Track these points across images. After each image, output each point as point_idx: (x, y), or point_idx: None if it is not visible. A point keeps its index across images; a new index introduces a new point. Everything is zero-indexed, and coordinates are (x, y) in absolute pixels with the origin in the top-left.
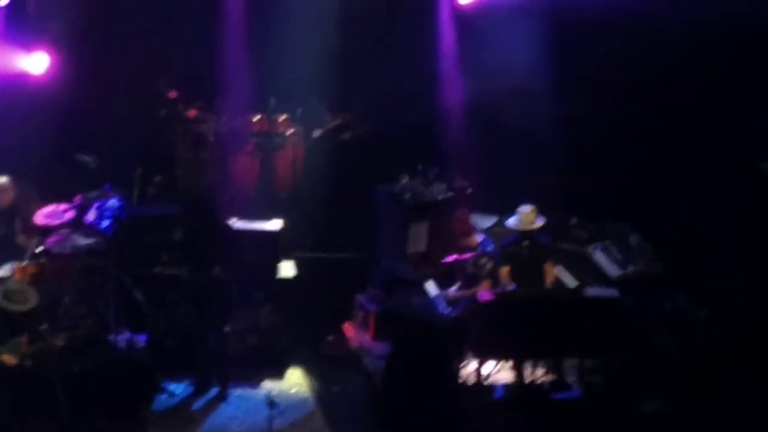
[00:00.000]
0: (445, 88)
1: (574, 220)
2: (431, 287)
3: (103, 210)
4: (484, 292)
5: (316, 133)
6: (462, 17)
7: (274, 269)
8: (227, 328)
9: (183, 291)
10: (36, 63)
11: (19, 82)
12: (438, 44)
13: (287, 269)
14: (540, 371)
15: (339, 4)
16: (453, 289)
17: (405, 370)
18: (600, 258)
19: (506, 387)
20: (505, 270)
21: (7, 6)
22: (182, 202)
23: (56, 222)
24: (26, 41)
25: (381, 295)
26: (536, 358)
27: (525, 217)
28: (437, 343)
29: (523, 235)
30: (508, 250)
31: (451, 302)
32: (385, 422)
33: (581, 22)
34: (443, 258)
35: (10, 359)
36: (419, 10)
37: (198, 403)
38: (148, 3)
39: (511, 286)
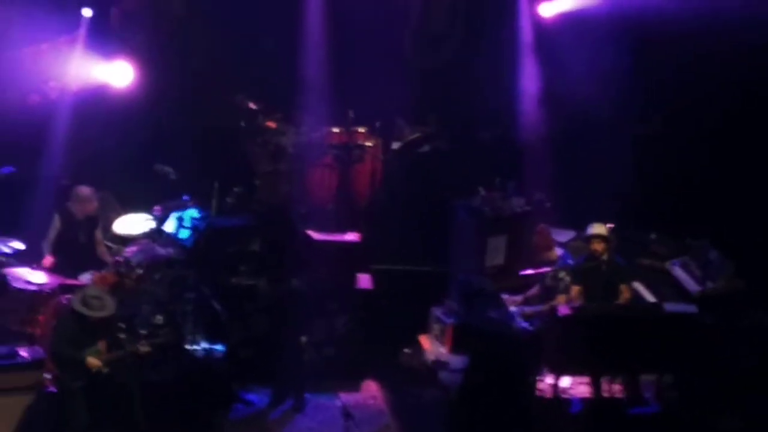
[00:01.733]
0: (524, 101)
1: (653, 236)
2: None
3: (182, 220)
4: (563, 307)
5: (395, 145)
6: (542, 31)
7: (351, 281)
8: (304, 339)
9: (260, 302)
10: (118, 74)
11: (101, 93)
12: (517, 58)
13: (364, 281)
14: (617, 386)
15: (419, 17)
16: (515, 299)
17: (481, 383)
18: (679, 274)
19: (583, 401)
20: (576, 288)
21: (92, 18)
22: (261, 213)
23: (136, 232)
24: (109, 53)
25: (458, 308)
26: (613, 373)
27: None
28: (514, 356)
29: (594, 255)
30: (582, 269)
31: (528, 316)
32: None
33: (659, 37)
34: (521, 271)
35: (96, 363)
36: (499, 23)
37: (274, 414)
38: (230, 16)
39: None
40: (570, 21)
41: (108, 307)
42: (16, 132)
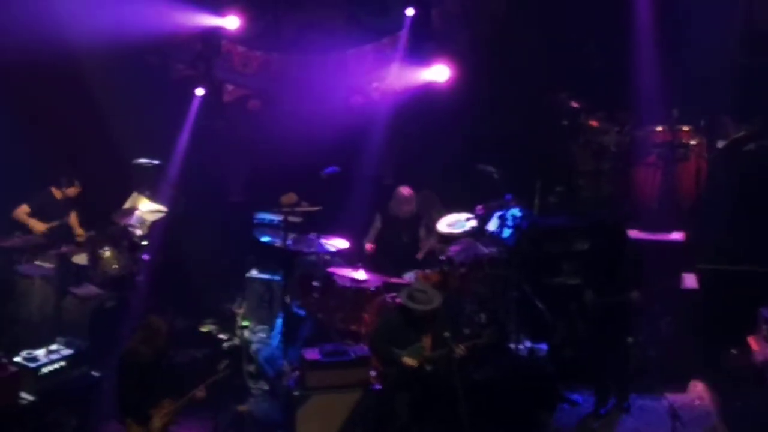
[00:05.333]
0: None
1: None
2: None
3: (504, 219)
4: None
5: (720, 144)
6: None
7: (676, 281)
8: (630, 340)
9: (589, 312)
10: (439, 74)
11: (423, 93)
12: None
13: (690, 281)
14: None
15: (745, 15)
16: None
17: None
18: None
19: None
20: None
21: (413, 19)
22: (598, 231)
23: (459, 231)
24: (430, 53)
25: None
26: None
27: None
28: None
29: None
30: None
31: None
32: None
33: None
34: None
35: (411, 362)
36: None
37: (599, 414)
38: (551, 14)
39: None
40: None
41: (434, 301)
42: (340, 132)
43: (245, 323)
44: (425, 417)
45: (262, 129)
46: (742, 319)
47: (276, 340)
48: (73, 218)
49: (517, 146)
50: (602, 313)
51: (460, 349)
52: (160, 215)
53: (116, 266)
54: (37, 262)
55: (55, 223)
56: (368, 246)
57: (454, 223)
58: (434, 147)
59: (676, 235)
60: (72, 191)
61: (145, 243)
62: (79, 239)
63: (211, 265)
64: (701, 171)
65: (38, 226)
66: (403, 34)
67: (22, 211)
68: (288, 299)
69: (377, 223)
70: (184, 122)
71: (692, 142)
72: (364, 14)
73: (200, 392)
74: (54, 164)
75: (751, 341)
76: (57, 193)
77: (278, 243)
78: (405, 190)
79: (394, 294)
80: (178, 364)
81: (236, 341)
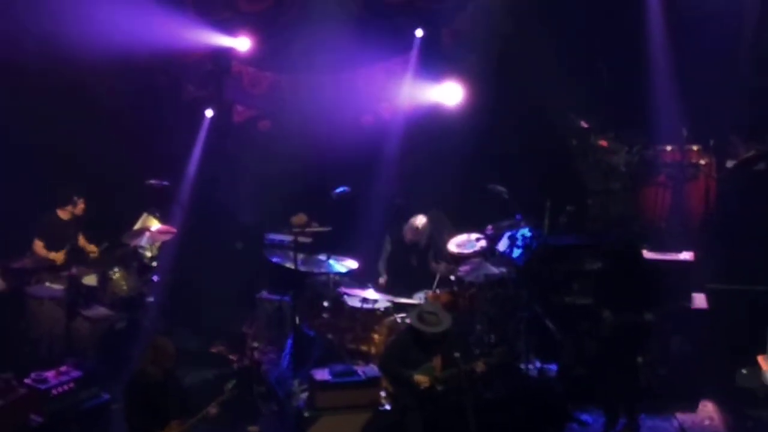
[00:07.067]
0: None
1: None
2: None
3: (514, 239)
4: None
5: (729, 164)
6: None
7: (686, 300)
8: (639, 360)
9: (603, 331)
10: (449, 94)
11: (433, 113)
12: None
13: (699, 300)
14: None
15: (754, 34)
16: None
17: None
18: None
19: None
20: None
21: (423, 39)
22: (611, 251)
23: (468, 251)
24: (440, 73)
25: None
26: None
27: None
28: None
29: None
30: None
31: None
32: None
33: None
34: None
35: (423, 379)
36: None
37: None
38: (560, 33)
39: None
40: None
41: (444, 323)
42: (350, 152)
43: (255, 344)
44: None
45: (272, 149)
46: (752, 339)
47: (286, 360)
48: (81, 240)
49: (527, 166)
50: (616, 332)
51: (480, 366)
52: (170, 236)
53: (126, 287)
54: (47, 284)
55: (68, 248)
56: (381, 281)
57: (464, 243)
58: (444, 166)
59: (686, 255)
60: (78, 209)
61: (155, 264)
62: (93, 256)
63: (221, 286)
64: (710, 190)
65: (58, 257)
66: (413, 54)
67: (39, 247)
68: (298, 320)
69: (387, 247)
70: (194, 143)
71: (701, 162)
72: (374, 34)
73: (213, 408)
74: (64, 184)
75: (761, 361)
76: (63, 214)
77: (288, 264)
78: (418, 221)
79: (403, 314)
80: (187, 385)
81: (246, 362)
